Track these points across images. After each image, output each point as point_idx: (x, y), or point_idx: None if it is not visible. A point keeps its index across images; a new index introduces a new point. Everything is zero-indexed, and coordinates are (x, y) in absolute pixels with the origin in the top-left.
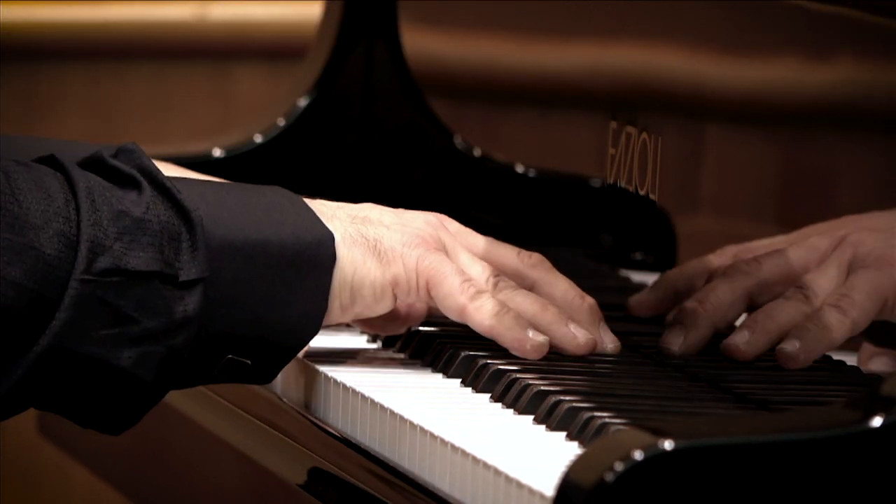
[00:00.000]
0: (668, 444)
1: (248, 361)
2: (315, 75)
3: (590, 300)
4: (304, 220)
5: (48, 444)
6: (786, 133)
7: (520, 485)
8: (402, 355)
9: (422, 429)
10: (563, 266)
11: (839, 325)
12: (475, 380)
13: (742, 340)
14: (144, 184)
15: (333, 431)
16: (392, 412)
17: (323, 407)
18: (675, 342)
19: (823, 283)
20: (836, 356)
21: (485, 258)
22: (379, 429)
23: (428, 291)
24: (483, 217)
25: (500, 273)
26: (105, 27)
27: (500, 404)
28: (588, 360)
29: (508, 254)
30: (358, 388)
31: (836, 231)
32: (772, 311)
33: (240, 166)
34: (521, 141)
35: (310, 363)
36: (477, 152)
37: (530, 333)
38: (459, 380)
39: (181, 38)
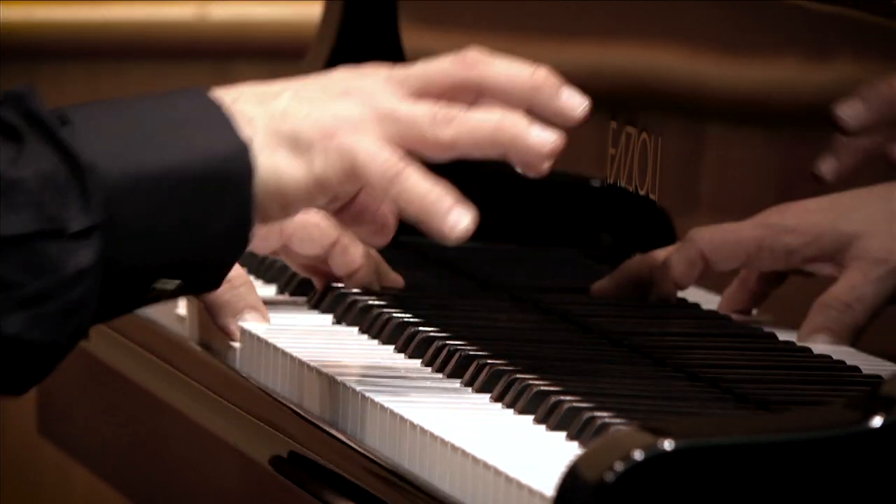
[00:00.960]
0: (668, 444)
1: (178, 281)
2: None
3: (541, 71)
4: (218, 132)
5: (48, 444)
6: (786, 133)
7: (520, 485)
8: (401, 355)
9: (422, 429)
10: (564, 266)
11: None
12: (474, 380)
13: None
14: (28, 135)
15: (332, 431)
16: (392, 412)
17: (322, 407)
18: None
19: None
20: (836, 356)
21: (422, 88)
22: (378, 428)
23: (352, 180)
24: (483, 217)
25: (442, 98)
26: (105, 27)
27: (500, 404)
28: (588, 361)
29: (443, 67)
30: (357, 388)
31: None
32: None
33: None
34: None
35: (308, 362)
36: None
37: (451, 218)
38: (459, 380)
39: (181, 38)
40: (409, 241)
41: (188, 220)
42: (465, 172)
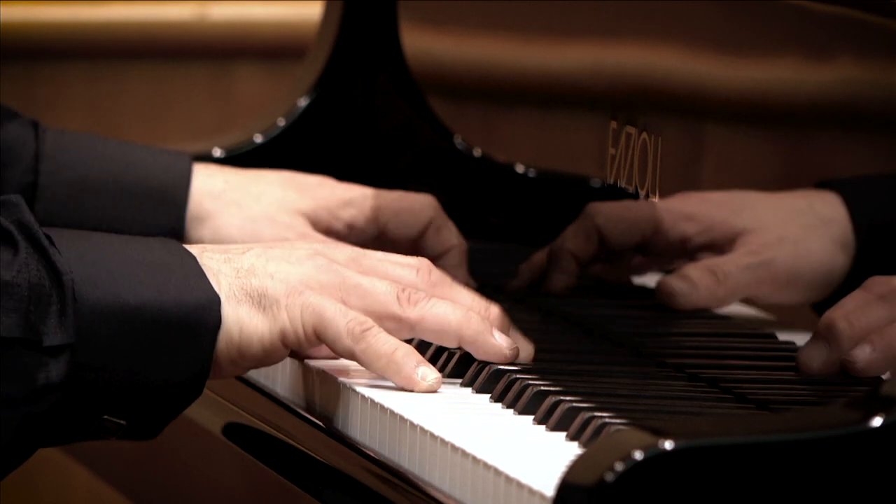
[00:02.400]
0: (668, 444)
1: (123, 422)
2: (315, 75)
3: (495, 309)
4: (190, 281)
5: None
6: (786, 133)
7: (520, 485)
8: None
9: (422, 429)
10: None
11: None
12: (474, 380)
13: (863, 357)
14: (21, 242)
15: (333, 431)
16: (392, 412)
17: (322, 407)
18: (817, 358)
19: None
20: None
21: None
22: (379, 429)
23: (318, 338)
24: (483, 217)
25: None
26: (105, 27)
27: (500, 404)
28: (588, 361)
29: (405, 273)
30: (357, 389)
31: None
32: None
33: (240, 166)
34: (521, 141)
35: (310, 364)
36: (477, 152)
37: (419, 373)
38: (459, 380)
39: (181, 38)
40: None
41: (150, 359)
42: (466, 172)
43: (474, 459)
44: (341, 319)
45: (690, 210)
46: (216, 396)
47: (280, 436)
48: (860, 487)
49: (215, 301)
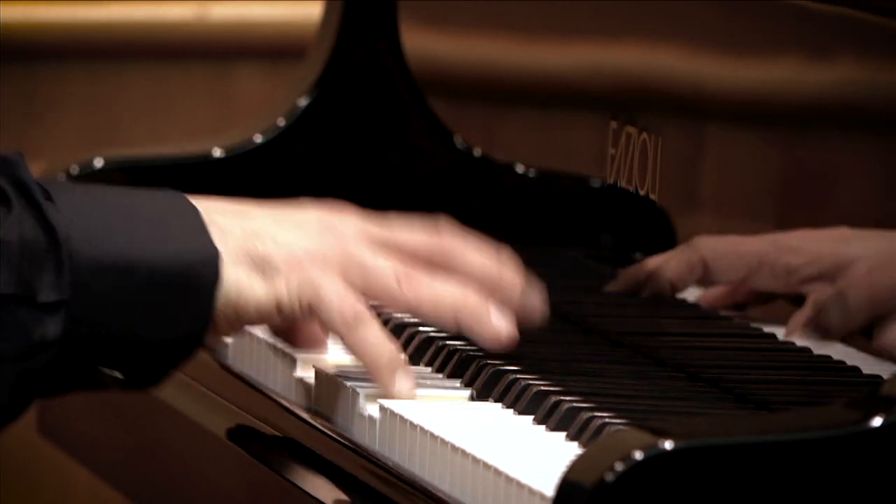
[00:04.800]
0: (668, 444)
1: (119, 375)
2: (315, 75)
3: (507, 272)
4: (191, 236)
5: (48, 444)
6: (786, 133)
7: (520, 485)
8: (401, 356)
9: (422, 429)
10: (563, 266)
11: None
12: (474, 380)
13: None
14: (14, 199)
15: (333, 432)
16: (392, 412)
17: (321, 407)
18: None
19: None
20: (836, 356)
21: (392, 248)
22: (378, 428)
23: (313, 314)
24: (483, 217)
25: (410, 260)
26: (105, 27)
27: (500, 404)
28: (588, 361)
29: (417, 237)
30: (357, 389)
31: None
32: None
33: (240, 166)
34: (521, 141)
35: (304, 360)
36: (477, 152)
37: (396, 382)
38: (459, 380)
39: (181, 38)
40: None
41: (147, 315)
42: (466, 172)
43: (474, 459)
44: (337, 302)
45: (795, 242)
46: (218, 398)
47: (279, 434)
48: (860, 487)
49: (214, 258)
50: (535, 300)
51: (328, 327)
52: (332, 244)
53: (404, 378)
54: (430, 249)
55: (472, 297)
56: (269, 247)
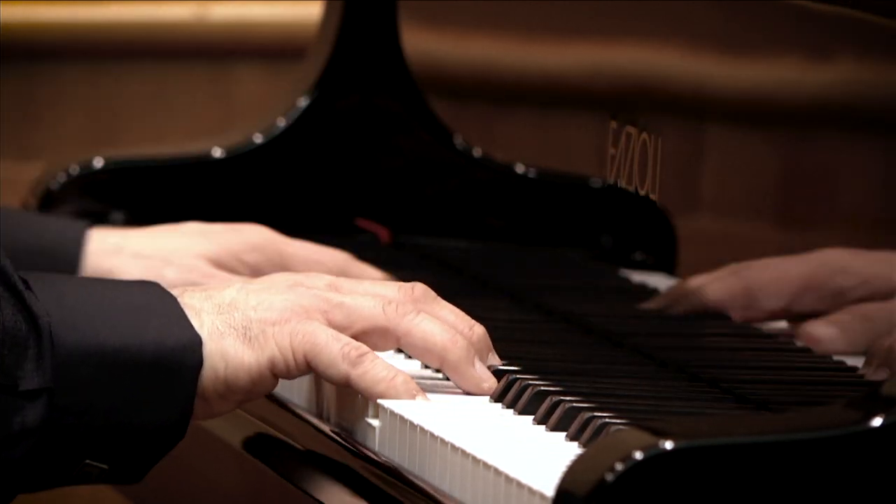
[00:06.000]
0: (668, 444)
1: (105, 466)
2: (315, 75)
3: (479, 329)
4: (171, 322)
5: None
6: (786, 133)
7: (520, 485)
8: (401, 356)
9: (421, 429)
10: (564, 266)
11: None
12: None
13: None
14: None
15: (331, 431)
16: (392, 412)
17: (319, 406)
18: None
19: None
20: (836, 356)
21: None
22: (378, 429)
23: (308, 365)
24: (483, 217)
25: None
26: (105, 27)
27: (500, 404)
28: (588, 361)
29: (388, 290)
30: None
31: None
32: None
33: (240, 166)
34: (521, 141)
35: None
36: (477, 152)
37: (417, 400)
38: None
39: (181, 38)
40: (409, 241)
41: (131, 402)
42: (466, 172)
43: (474, 459)
44: (335, 344)
45: (843, 263)
46: None
47: (280, 435)
48: (860, 487)
49: (196, 342)
50: (493, 368)
51: (328, 373)
52: (307, 295)
53: (422, 401)
54: (405, 299)
55: (461, 341)
56: (248, 313)
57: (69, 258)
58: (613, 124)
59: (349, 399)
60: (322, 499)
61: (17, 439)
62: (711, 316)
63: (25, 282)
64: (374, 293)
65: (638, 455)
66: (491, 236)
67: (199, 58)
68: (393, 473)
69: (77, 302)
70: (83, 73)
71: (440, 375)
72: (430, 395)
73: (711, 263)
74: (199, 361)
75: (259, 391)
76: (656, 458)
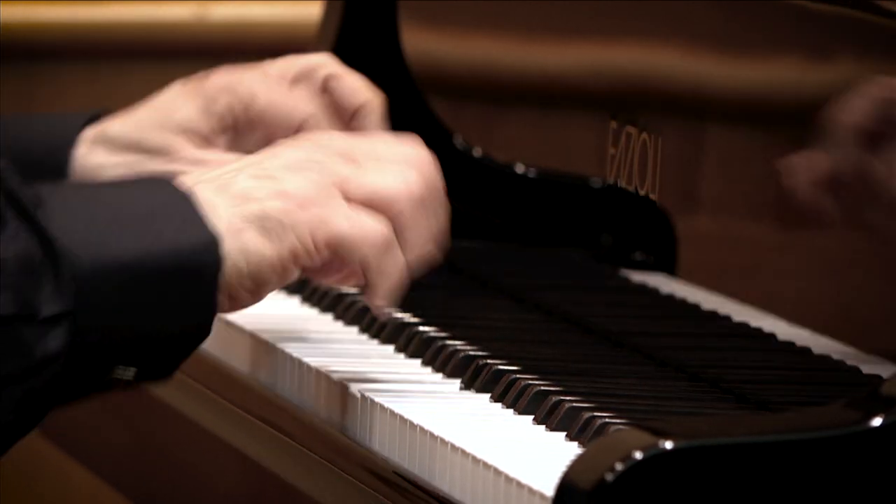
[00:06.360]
0: (668, 444)
1: (134, 368)
2: None
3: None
4: (186, 224)
5: (48, 444)
6: (786, 133)
7: (520, 485)
8: (401, 355)
9: (421, 428)
10: (564, 266)
11: None
12: (475, 380)
13: None
14: (7, 214)
15: (331, 431)
16: (392, 412)
17: (318, 405)
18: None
19: None
20: (836, 356)
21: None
22: (378, 428)
23: (333, 251)
24: (483, 217)
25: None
26: (105, 27)
27: (499, 404)
28: (588, 361)
29: (405, 163)
30: (356, 388)
31: None
32: None
33: None
34: (521, 141)
35: (308, 363)
36: (477, 152)
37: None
38: (459, 380)
39: (181, 38)
40: None
41: (154, 310)
42: (466, 172)
43: (474, 459)
44: (359, 230)
45: None
46: (219, 398)
47: (280, 435)
48: (860, 487)
49: (213, 241)
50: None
51: (351, 257)
52: (320, 172)
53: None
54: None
55: (400, 264)
56: (262, 204)
57: (60, 158)
58: (613, 124)
59: (349, 398)
60: (322, 499)
61: (41, 367)
62: (711, 316)
63: (37, 198)
64: (393, 164)
65: (638, 455)
66: (491, 236)
67: (199, 58)
68: (393, 473)
69: (90, 215)
70: (83, 73)
71: (438, 377)
72: (423, 393)
73: (711, 263)
74: (218, 262)
75: (286, 281)
76: (656, 458)
